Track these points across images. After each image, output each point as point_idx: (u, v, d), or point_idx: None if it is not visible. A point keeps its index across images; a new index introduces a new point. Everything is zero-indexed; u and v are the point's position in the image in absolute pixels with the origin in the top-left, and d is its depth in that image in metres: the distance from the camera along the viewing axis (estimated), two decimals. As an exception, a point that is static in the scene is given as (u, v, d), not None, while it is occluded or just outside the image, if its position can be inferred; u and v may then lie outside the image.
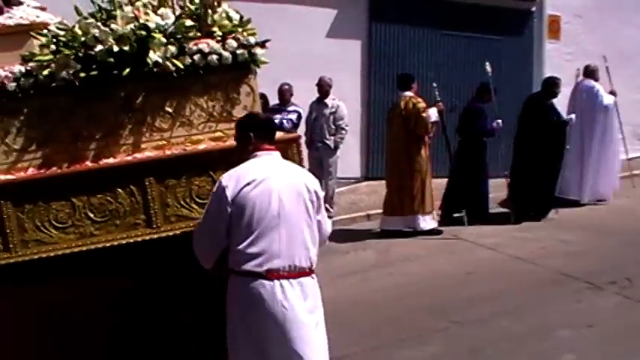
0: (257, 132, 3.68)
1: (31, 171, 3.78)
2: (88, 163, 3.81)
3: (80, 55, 3.80)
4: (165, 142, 3.90)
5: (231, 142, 3.88)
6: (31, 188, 3.67)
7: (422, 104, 9.14)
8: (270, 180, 3.55)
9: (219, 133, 3.98)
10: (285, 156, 3.82)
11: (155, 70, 3.83)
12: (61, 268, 3.71)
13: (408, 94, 9.31)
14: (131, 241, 3.75)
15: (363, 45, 12.31)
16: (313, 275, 3.65)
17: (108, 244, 3.73)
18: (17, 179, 3.70)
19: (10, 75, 3.79)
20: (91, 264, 3.75)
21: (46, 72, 3.78)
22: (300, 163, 3.91)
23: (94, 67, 3.78)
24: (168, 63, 3.85)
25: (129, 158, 3.82)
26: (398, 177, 9.31)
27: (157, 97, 3.91)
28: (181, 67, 3.86)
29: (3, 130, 3.78)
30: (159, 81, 3.87)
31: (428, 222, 9.27)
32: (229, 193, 3.50)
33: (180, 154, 3.81)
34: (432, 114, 9.30)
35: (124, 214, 3.75)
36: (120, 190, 3.74)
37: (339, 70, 11.18)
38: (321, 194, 3.76)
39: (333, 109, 10.09)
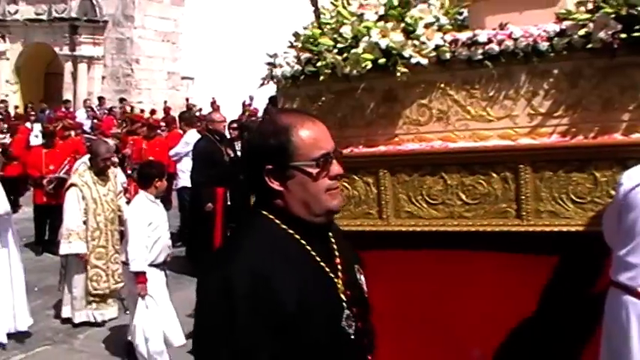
0: None
1: (554, 137, 3.65)
2: (617, 136, 3.54)
3: (622, 14, 3.52)
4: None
5: None
6: (553, 155, 3.56)
7: None
8: None
9: None
10: None
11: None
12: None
13: None
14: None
15: None
16: None
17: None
18: (539, 145, 3.61)
19: (543, 34, 3.68)
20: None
21: (581, 32, 3.58)
22: None
23: (636, 28, 3.47)
24: None
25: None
26: None
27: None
28: None
29: (530, 92, 3.71)
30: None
31: None
32: (621, 191, 3.21)
33: None
34: None
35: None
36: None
37: None
38: None
39: None
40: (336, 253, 2.05)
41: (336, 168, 1.99)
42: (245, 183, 2.18)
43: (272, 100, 16.00)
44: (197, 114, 19.61)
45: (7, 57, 25.50)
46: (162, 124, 16.96)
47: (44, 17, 24.73)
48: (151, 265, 6.07)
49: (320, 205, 1.98)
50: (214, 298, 1.87)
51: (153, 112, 21.17)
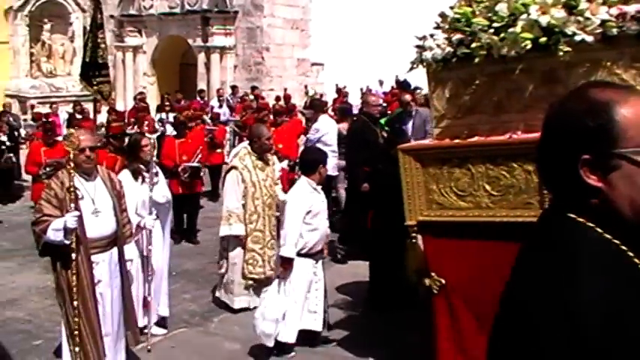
0: None
1: None
2: None
3: None
4: None
5: None
6: None
7: None
8: None
9: None
10: None
11: None
12: None
13: None
14: None
15: None
16: None
17: None
18: None
19: None
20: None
21: None
22: None
23: None
24: None
25: None
26: None
27: None
28: None
29: None
30: None
31: None
32: None
33: None
34: None
35: None
36: None
37: None
38: None
39: None
40: None
41: None
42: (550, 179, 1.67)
43: (401, 85, 15.73)
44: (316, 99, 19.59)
45: (143, 50, 26.48)
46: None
47: (177, 10, 25.43)
48: (305, 254, 6.09)
49: None
50: (552, 331, 1.46)
51: (278, 98, 21.32)
